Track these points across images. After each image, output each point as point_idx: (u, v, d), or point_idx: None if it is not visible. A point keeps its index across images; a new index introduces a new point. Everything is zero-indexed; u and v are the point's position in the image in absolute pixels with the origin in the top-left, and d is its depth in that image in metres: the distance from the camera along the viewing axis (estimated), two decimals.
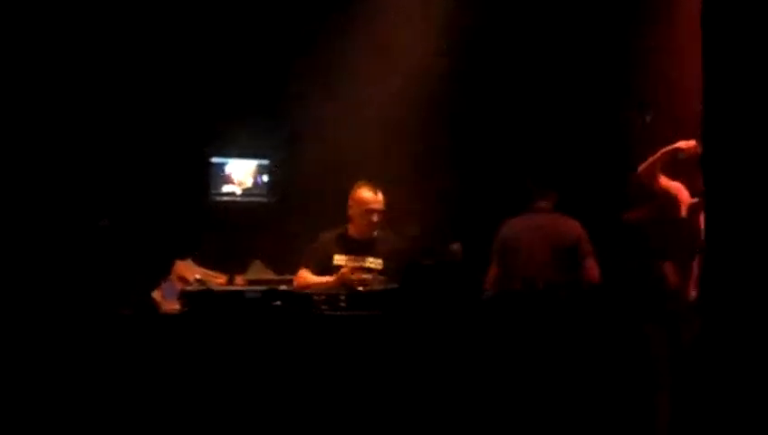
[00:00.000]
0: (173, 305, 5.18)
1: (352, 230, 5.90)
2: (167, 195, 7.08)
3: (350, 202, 5.90)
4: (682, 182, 5.50)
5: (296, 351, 4.79)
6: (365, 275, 5.61)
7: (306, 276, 5.75)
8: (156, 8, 7.03)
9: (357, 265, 5.72)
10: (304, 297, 5.11)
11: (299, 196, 7.26)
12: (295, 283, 5.71)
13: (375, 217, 5.82)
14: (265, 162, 7.54)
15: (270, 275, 6.21)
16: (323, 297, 5.11)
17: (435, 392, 4.76)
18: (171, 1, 7.11)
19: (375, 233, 5.87)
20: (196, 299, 4.97)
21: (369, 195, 5.85)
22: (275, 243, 6.86)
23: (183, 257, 5.88)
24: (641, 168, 5.51)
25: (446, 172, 7.21)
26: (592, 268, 5.93)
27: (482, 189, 7.21)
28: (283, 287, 5.21)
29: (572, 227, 6.08)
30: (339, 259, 5.80)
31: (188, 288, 5.12)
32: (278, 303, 4.98)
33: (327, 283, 5.60)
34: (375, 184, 5.89)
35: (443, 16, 6.92)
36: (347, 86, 6.97)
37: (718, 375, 3.45)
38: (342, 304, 5.10)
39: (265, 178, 7.52)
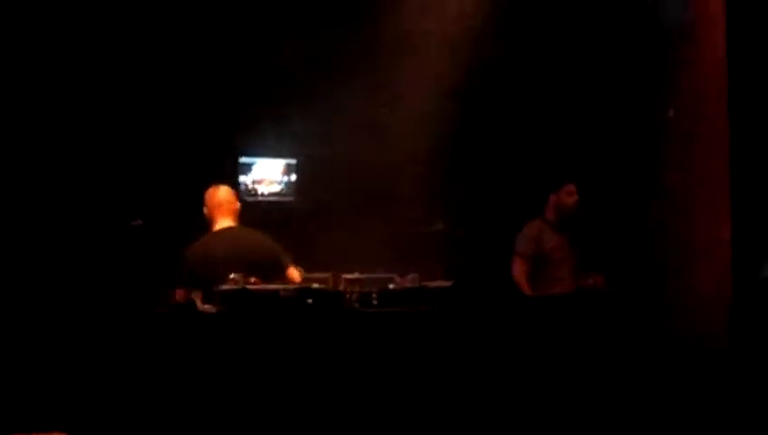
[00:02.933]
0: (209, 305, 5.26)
1: None
2: (198, 194, 7.17)
3: None
4: None
5: (329, 348, 4.88)
6: None
7: None
8: (187, 6, 7.13)
9: None
10: (337, 295, 5.20)
11: (326, 195, 7.35)
12: None
13: None
14: (293, 161, 7.65)
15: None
16: (356, 295, 5.20)
17: (463, 392, 4.85)
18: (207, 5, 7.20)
19: None
20: (232, 298, 5.06)
21: None
22: (303, 242, 6.95)
23: None
24: None
25: (472, 171, 7.30)
26: None
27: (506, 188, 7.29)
28: (315, 285, 5.29)
29: None
30: None
31: (223, 287, 5.18)
32: (310, 301, 5.07)
33: None
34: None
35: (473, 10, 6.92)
36: (377, 85, 7.04)
37: None
38: (375, 302, 5.20)
39: (293, 177, 7.62)
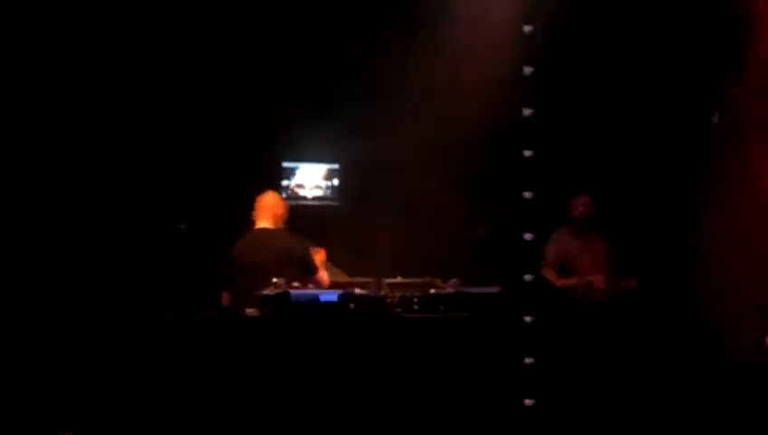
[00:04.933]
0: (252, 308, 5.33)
1: None
2: (241, 199, 7.24)
3: None
4: None
5: (369, 352, 4.93)
6: None
7: None
8: (234, 10, 7.19)
9: None
10: (378, 300, 5.25)
11: (370, 200, 7.39)
12: None
13: None
14: (335, 166, 7.71)
15: (344, 278, 6.39)
16: (397, 300, 5.25)
17: (501, 396, 4.88)
18: (248, 8, 7.25)
19: None
20: (274, 302, 5.13)
21: None
22: (345, 246, 7.00)
23: None
24: None
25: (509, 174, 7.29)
26: None
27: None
28: (357, 290, 5.34)
29: None
30: None
31: (266, 291, 5.25)
32: (352, 305, 5.13)
33: None
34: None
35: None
36: (419, 91, 7.04)
37: None
38: (416, 307, 5.24)
39: (335, 181, 7.68)
